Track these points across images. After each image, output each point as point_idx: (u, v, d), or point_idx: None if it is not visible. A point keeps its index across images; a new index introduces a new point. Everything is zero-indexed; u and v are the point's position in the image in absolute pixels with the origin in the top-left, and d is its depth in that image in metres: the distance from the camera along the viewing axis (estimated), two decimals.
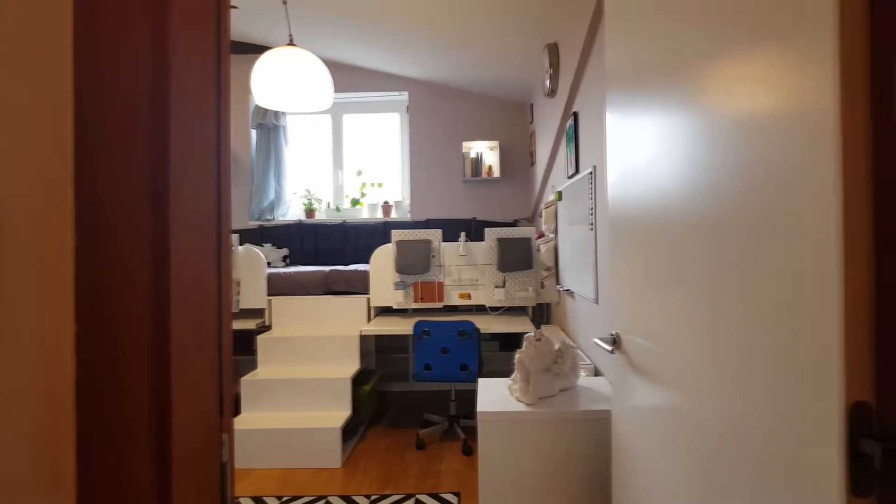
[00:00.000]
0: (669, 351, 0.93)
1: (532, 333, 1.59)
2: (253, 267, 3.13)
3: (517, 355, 1.59)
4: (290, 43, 2.37)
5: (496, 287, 3.15)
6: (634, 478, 1.11)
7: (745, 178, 0.69)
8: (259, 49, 3.77)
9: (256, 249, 3.18)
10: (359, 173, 4.25)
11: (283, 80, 2.17)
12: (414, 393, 3.77)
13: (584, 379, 1.78)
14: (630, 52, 1.12)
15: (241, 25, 3.72)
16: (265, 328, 3.18)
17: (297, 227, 4.07)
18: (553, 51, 2.73)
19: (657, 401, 0.98)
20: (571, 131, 2.50)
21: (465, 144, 4.08)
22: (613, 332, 1.22)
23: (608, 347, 1.15)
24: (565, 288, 2.70)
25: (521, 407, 1.52)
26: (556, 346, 1.63)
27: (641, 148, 1.05)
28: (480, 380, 1.80)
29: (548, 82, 2.79)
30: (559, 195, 2.83)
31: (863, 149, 0.53)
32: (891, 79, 0.50)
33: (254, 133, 4.11)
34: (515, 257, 3.11)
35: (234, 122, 4.05)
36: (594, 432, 1.45)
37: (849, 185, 0.52)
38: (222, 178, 0.56)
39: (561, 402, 1.55)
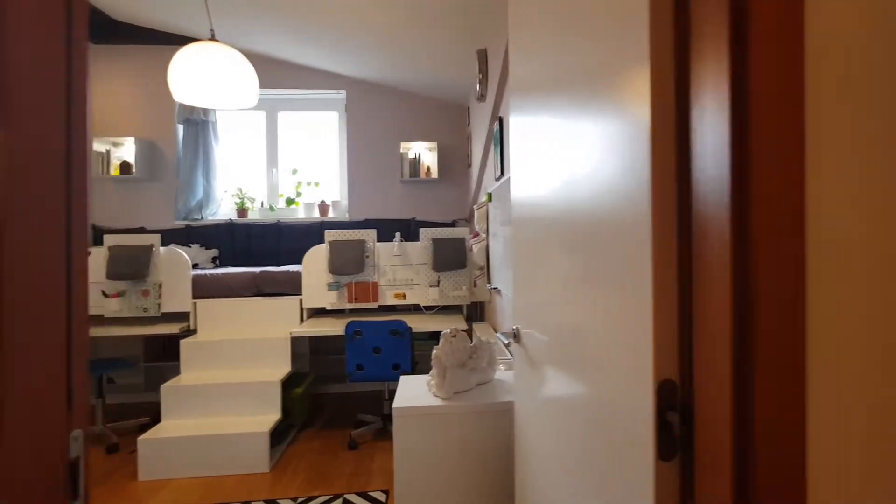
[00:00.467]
0: (552, 341, 1.01)
1: (448, 330, 1.65)
2: (175, 268, 2.99)
3: (434, 351, 1.64)
4: (212, 38, 2.29)
5: (430, 286, 3.20)
6: (530, 461, 1.19)
7: (593, 186, 0.77)
8: (186, 41, 3.61)
9: (180, 250, 3.05)
10: (294, 172, 4.16)
11: (203, 77, 2.10)
12: (350, 394, 3.75)
13: (502, 373, 1.86)
14: (526, 68, 1.20)
15: (165, 16, 3.54)
16: (190, 332, 3.05)
17: (228, 226, 3.93)
18: (482, 57, 2.81)
19: (543, 387, 1.06)
20: (498, 135, 2.59)
21: (404, 145, 4.11)
22: (515, 327, 1.29)
23: (506, 341, 1.22)
24: (494, 286, 2.80)
25: (437, 402, 1.57)
26: (473, 343, 1.70)
27: (533, 155, 1.13)
28: (402, 377, 1.83)
29: (478, 86, 2.88)
30: (489, 197, 2.92)
31: (670, 165, 0.61)
32: (688, 108, 0.59)
33: (180, 128, 3.92)
34: (449, 257, 3.17)
35: (157, 116, 3.85)
36: (504, 423, 1.52)
37: (657, 193, 0.60)
38: (74, 174, 0.56)
39: (476, 396, 1.61)
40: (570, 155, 0.87)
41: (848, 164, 0.50)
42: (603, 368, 0.76)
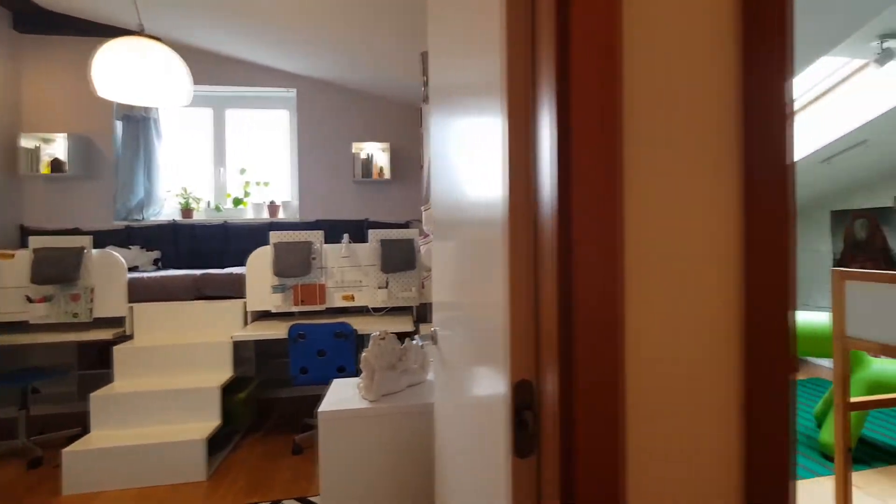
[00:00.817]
0: (452, 343, 1.04)
1: (377, 332, 1.66)
2: (109, 271, 2.87)
3: (363, 354, 1.64)
4: (141, 32, 2.21)
5: (379, 288, 3.19)
6: (443, 460, 1.21)
7: (471, 195, 0.80)
8: (123, 33, 3.46)
9: (115, 253, 2.92)
10: (242, 171, 4.06)
11: (128, 73, 2.01)
12: (298, 398, 3.70)
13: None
14: (437, 77, 1.22)
15: (100, 6, 3.38)
16: (125, 338, 2.92)
17: (172, 227, 3.79)
18: (426, 59, 2.83)
19: (448, 387, 1.09)
20: None
21: (356, 145, 4.08)
22: (433, 329, 1.31)
23: (420, 343, 1.24)
24: None
25: (365, 404, 1.57)
26: (403, 345, 1.71)
27: (442, 159, 1.16)
28: (335, 380, 1.83)
29: (423, 88, 2.89)
30: None
31: (527, 182, 0.64)
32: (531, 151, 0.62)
33: (119, 124, 3.75)
34: (398, 258, 3.18)
35: (93, 112, 3.67)
36: (428, 424, 1.54)
37: (513, 205, 0.63)
38: None
39: (405, 397, 1.63)
40: (458, 162, 0.90)
41: (655, 185, 0.54)
42: (480, 369, 0.78)
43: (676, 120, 0.54)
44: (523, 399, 0.63)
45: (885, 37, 2.38)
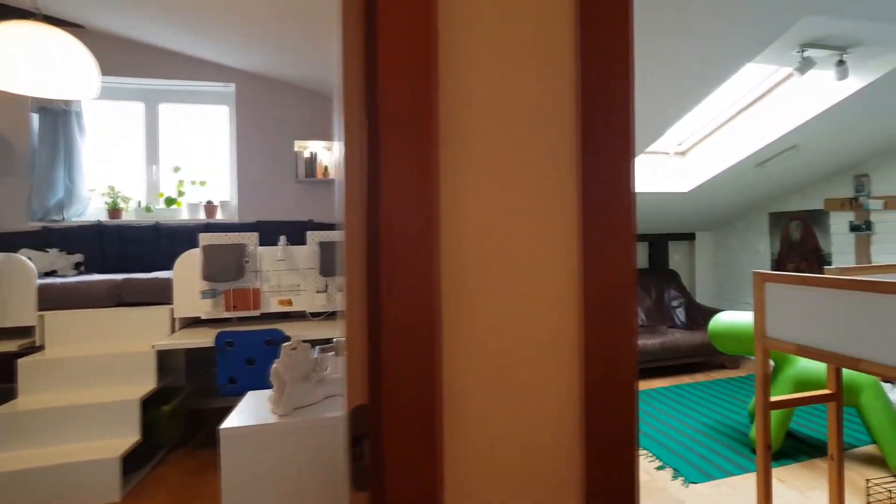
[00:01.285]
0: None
1: (289, 342, 1.56)
2: (15, 277, 2.62)
3: (273, 365, 1.54)
4: (35, 16, 2.01)
5: (318, 292, 3.07)
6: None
7: (340, 202, 0.73)
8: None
9: (22, 256, 2.68)
10: (176, 170, 3.84)
11: (16, 61, 1.81)
12: (229, 409, 3.51)
13: None
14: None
15: None
16: (34, 349, 2.69)
17: (97, 228, 3.53)
18: None
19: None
20: None
21: (299, 143, 3.93)
22: (335, 339, 1.23)
23: (316, 354, 1.16)
24: None
25: (273, 419, 1.47)
26: (316, 354, 1.62)
27: (338, 160, 1.08)
28: (249, 392, 1.71)
29: None
30: None
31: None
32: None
33: (35, 117, 3.47)
34: (338, 261, 3.07)
35: (2, 103, 3.37)
36: (337, 436, 1.46)
37: (349, 219, 0.57)
38: None
39: (319, 410, 1.53)
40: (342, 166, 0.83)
41: (471, 194, 0.48)
42: (346, 389, 0.72)
43: (496, 133, 0.48)
44: (361, 426, 0.57)
45: (805, 46, 2.47)
